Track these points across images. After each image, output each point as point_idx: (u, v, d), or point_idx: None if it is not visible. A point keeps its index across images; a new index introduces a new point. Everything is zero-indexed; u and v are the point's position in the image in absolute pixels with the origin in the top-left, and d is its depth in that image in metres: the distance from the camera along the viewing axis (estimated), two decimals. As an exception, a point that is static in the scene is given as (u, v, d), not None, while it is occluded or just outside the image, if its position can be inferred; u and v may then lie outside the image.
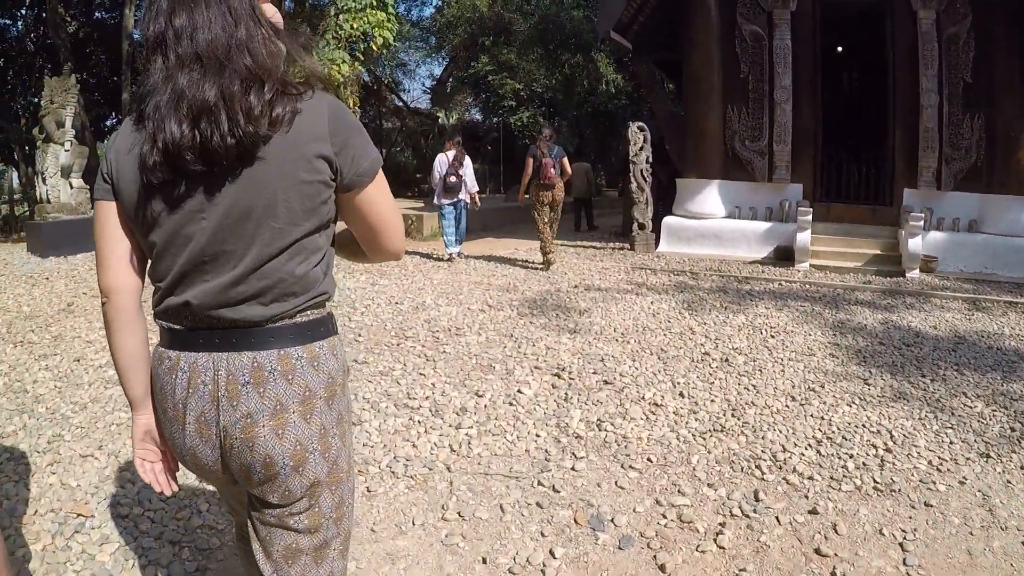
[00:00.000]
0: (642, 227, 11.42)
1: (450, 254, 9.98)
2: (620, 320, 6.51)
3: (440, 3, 25.19)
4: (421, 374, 4.85)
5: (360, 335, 5.83)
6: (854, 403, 4.40)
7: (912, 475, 3.37)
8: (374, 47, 13.42)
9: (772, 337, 6.05)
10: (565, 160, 9.29)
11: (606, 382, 4.72)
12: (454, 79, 35.13)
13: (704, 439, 3.81)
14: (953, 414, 4.22)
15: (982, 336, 6.31)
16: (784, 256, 10.38)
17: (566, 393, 4.50)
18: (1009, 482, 3.32)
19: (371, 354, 5.29)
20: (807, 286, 8.58)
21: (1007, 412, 4.24)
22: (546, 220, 9.18)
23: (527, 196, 9.83)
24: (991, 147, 9.57)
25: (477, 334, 5.93)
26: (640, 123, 11.46)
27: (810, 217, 9.74)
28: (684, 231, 11.44)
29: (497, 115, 35.70)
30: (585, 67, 27.15)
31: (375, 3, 12.67)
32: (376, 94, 25.21)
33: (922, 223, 9.14)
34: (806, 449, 3.67)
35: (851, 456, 3.57)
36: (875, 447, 3.70)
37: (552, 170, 8.95)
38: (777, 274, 9.41)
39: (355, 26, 12.57)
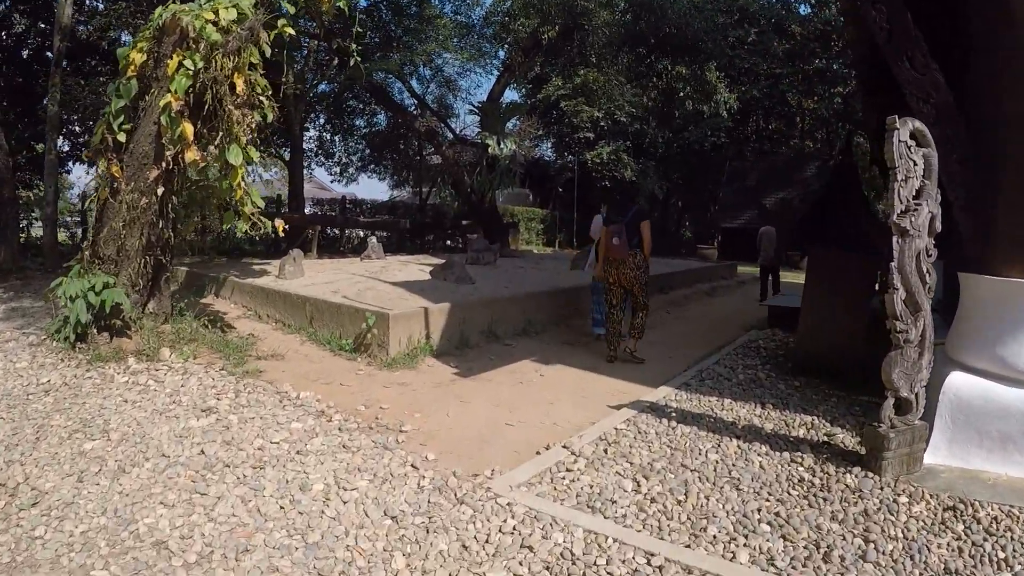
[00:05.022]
0: (904, 408, 4.26)
1: (598, 335, 7.88)
2: None
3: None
4: None
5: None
6: None
7: None
8: (323, 3, 7.06)
9: None
10: (645, 226, 6.76)
11: None
12: (518, 95, 28.86)
13: None
14: None
15: None
16: None
17: None
18: None
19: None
20: None
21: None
22: (613, 303, 7.05)
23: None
24: None
25: None
26: (913, 121, 4.30)
27: None
28: (995, 417, 4.26)
29: (571, 151, 29.25)
30: (690, 80, 19.86)
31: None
32: (399, 110, 18.86)
33: None
34: None
35: None
36: None
37: (615, 240, 6.68)
38: None
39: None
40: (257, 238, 18.02)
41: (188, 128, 6.14)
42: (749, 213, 27.75)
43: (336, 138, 24.81)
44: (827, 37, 29.16)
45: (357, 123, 24.48)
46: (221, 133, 6.29)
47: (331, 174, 26.37)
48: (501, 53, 18.82)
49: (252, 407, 4.94)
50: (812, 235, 6.92)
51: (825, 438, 4.75)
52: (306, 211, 19.86)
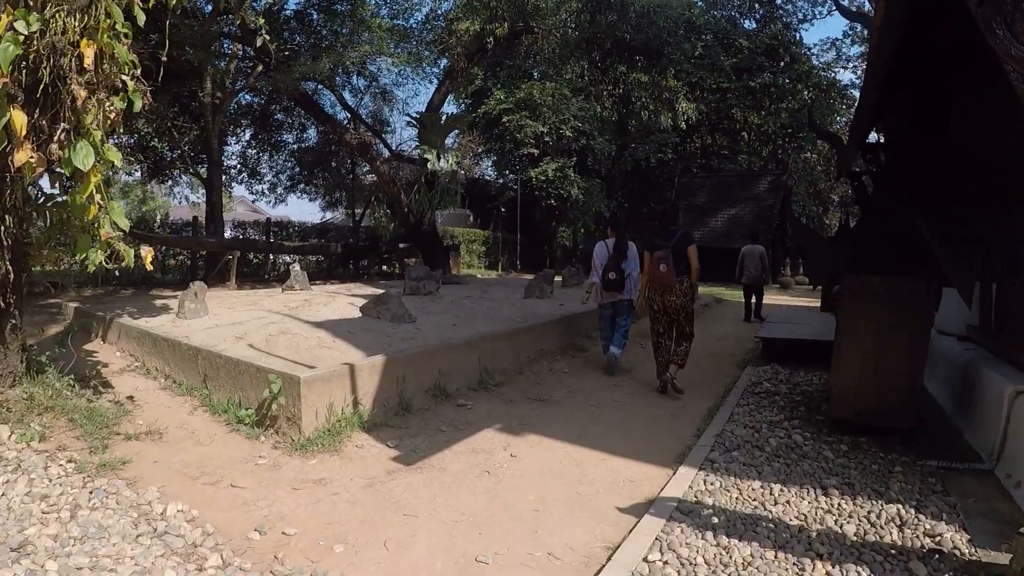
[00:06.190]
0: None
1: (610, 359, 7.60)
2: None
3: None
4: None
5: None
6: None
7: None
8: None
9: None
10: (692, 251, 6.40)
11: None
12: (458, 110, 27.19)
13: None
14: None
15: None
16: None
17: None
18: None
19: None
20: None
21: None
22: (661, 332, 6.63)
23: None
24: None
25: None
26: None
27: None
28: None
29: (513, 168, 27.80)
30: (648, 87, 18.49)
31: None
32: (329, 121, 17.01)
33: None
34: None
35: None
36: None
37: (662, 266, 6.31)
38: None
39: None
40: (109, 268, 15.95)
41: (18, 117, 4.31)
42: (700, 231, 26.85)
43: (263, 155, 22.67)
44: (774, 51, 28.65)
45: (285, 138, 22.44)
46: (64, 124, 4.50)
47: (252, 193, 24.10)
48: (443, 62, 17.18)
49: (88, 540, 3.15)
50: (846, 257, 5.49)
51: (931, 543, 3.31)
52: (225, 235, 17.79)
